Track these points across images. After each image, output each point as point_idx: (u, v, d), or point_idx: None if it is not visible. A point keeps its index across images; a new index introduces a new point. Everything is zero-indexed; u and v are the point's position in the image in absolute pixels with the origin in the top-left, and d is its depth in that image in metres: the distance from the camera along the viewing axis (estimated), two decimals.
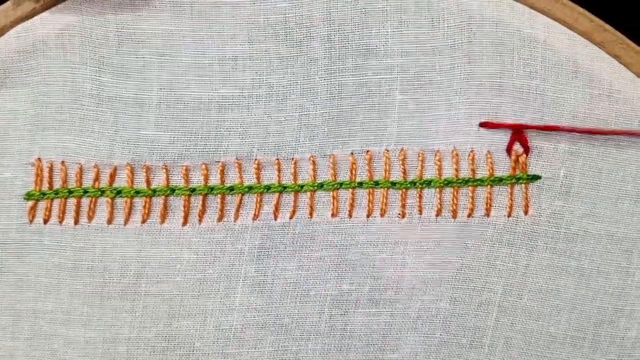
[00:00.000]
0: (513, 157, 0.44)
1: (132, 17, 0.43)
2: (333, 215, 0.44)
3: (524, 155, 0.44)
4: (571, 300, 0.44)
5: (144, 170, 0.44)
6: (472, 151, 0.44)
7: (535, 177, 0.44)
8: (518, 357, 0.44)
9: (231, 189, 0.44)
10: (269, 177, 0.44)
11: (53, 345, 0.44)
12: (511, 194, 0.44)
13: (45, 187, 0.44)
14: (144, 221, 0.44)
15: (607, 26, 0.43)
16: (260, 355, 0.44)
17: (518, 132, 0.43)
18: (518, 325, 0.44)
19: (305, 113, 0.44)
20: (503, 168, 0.44)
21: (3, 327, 0.44)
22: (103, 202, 0.44)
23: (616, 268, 0.44)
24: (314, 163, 0.44)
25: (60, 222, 0.44)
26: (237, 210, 0.44)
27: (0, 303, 0.44)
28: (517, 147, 0.44)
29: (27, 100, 0.44)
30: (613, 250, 0.44)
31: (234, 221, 0.44)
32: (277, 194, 0.44)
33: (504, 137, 0.44)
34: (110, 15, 0.43)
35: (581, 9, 0.43)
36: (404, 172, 0.44)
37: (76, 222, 0.44)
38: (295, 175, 0.44)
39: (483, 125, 0.43)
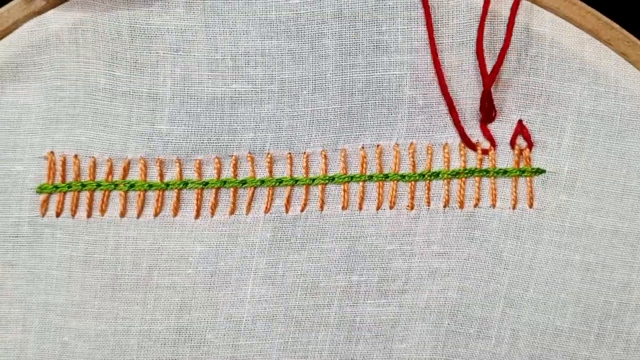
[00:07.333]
0: (516, 151, 0.44)
1: (144, 13, 0.43)
2: (343, 208, 0.44)
3: (528, 149, 0.44)
4: (576, 294, 0.44)
5: (157, 164, 0.44)
6: (477, 143, 0.44)
7: (540, 171, 0.44)
8: (524, 350, 0.45)
9: (243, 182, 0.44)
10: (281, 170, 0.44)
11: (64, 337, 0.44)
12: (515, 186, 0.44)
13: (58, 180, 0.44)
14: (156, 214, 0.44)
15: (614, 24, 0.44)
16: (271, 347, 0.45)
17: (521, 127, 0.44)
18: (524, 318, 0.44)
19: (317, 108, 0.44)
20: (508, 161, 0.44)
21: (14, 320, 0.44)
22: (116, 196, 0.44)
23: (621, 263, 0.44)
24: (325, 157, 0.44)
25: (73, 215, 0.44)
26: (249, 204, 0.44)
27: (11, 296, 0.44)
28: (521, 142, 0.44)
29: (40, 94, 0.44)
30: (618, 245, 0.44)
31: (246, 214, 0.44)
32: (288, 187, 0.44)
33: (507, 131, 0.44)
34: (123, 10, 0.43)
35: (589, 7, 0.43)
36: (413, 165, 0.44)
37: (89, 215, 0.44)
38: (307, 168, 0.44)
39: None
